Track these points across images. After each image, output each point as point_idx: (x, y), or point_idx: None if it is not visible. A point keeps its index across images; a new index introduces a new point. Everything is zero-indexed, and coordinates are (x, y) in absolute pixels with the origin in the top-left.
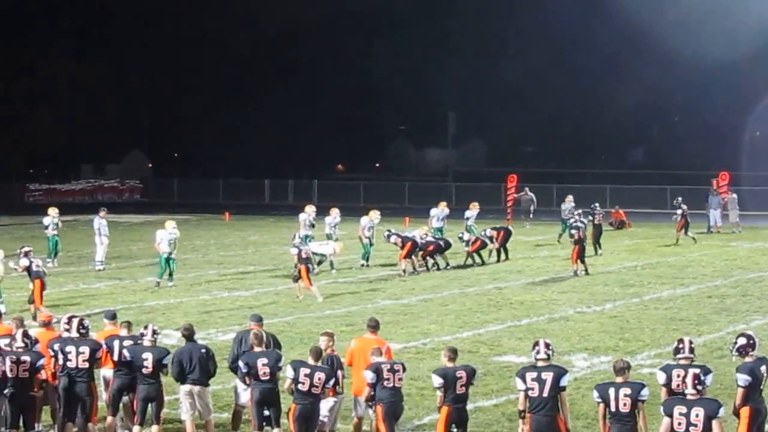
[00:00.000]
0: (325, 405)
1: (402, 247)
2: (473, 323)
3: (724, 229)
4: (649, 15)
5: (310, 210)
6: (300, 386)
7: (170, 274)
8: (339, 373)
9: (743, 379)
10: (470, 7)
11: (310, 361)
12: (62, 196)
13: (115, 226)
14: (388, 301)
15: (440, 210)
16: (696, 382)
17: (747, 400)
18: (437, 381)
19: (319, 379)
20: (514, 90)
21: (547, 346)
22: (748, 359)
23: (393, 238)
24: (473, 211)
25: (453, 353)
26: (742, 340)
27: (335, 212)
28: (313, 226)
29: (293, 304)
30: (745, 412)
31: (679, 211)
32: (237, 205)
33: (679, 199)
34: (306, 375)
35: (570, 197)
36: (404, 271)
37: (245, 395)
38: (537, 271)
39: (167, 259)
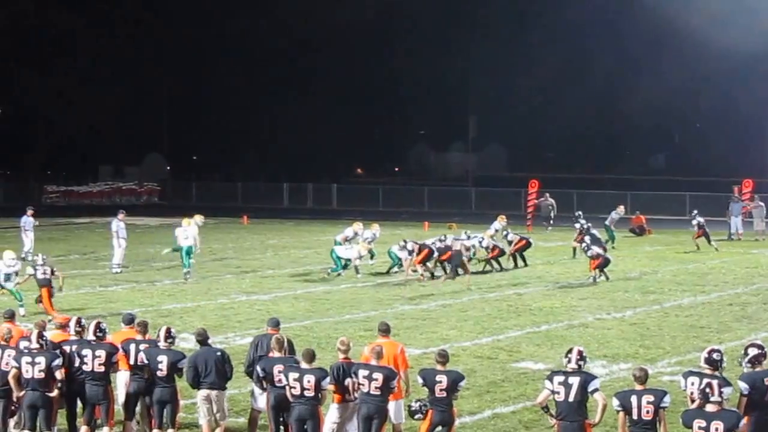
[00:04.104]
0: (333, 412)
1: (418, 253)
2: (492, 329)
3: (746, 236)
4: (671, 19)
5: (358, 227)
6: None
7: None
8: (348, 380)
9: (743, 387)
10: (491, 11)
11: (303, 365)
12: (80, 198)
13: (133, 229)
14: (408, 307)
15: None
16: (717, 392)
17: (748, 409)
18: (419, 380)
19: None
20: (535, 94)
21: (580, 354)
22: (759, 369)
23: (410, 245)
24: (501, 223)
25: (441, 357)
26: (753, 350)
27: (376, 227)
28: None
29: (311, 308)
30: (744, 420)
31: (694, 222)
32: (256, 208)
33: (695, 211)
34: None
35: (621, 207)
36: (423, 275)
37: (262, 399)
38: (557, 277)
39: (187, 252)
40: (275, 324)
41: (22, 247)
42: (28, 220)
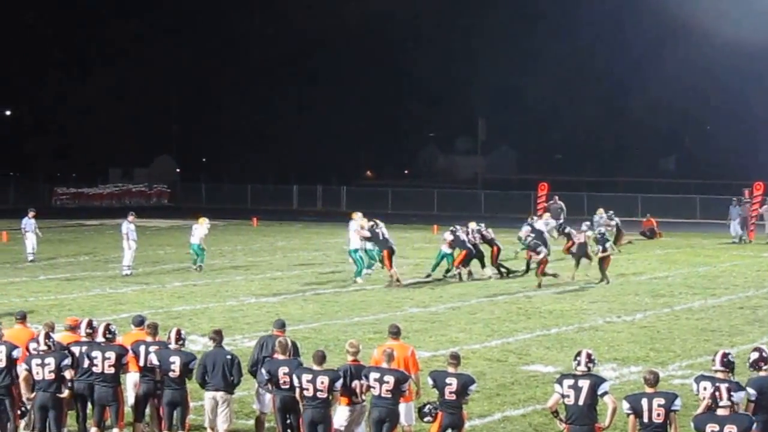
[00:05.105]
0: (341, 414)
1: (385, 255)
2: (502, 332)
3: (758, 240)
4: (682, 21)
5: (358, 217)
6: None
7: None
8: (356, 382)
9: (751, 393)
10: (500, 15)
11: (315, 367)
12: (90, 200)
13: (143, 231)
14: (416, 309)
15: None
16: (728, 396)
17: (756, 414)
18: (429, 382)
19: (322, 382)
20: (544, 97)
21: (588, 357)
22: (762, 373)
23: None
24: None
25: (453, 359)
26: (754, 355)
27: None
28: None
29: (320, 310)
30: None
31: (612, 223)
32: (265, 210)
33: (611, 212)
34: (309, 381)
35: (601, 210)
36: (394, 278)
37: (264, 400)
38: (567, 281)
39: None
40: (281, 325)
41: (25, 248)
42: (29, 222)
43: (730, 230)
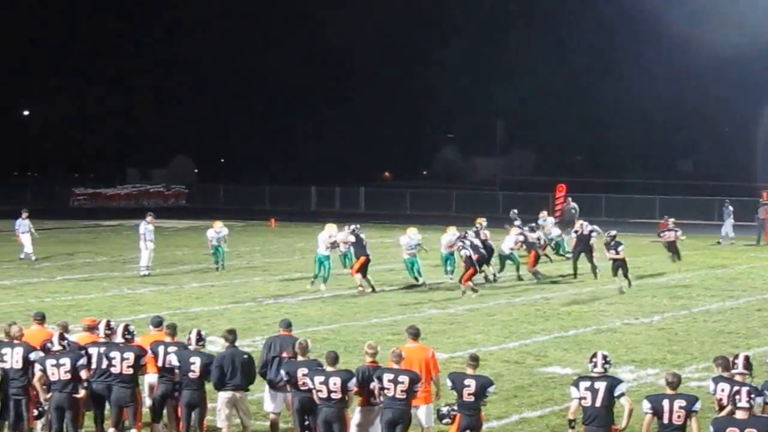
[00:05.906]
0: (358, 415)
1: (355, 259)
2: (520, 333)
3: None
4: (698, 22)
5: (332, 230)
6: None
7: (218, 261)
8: (373, 384)
9: (766, 396)
10: (517, 16)
11: (328, 368)
12: (107, 201)
13: (160, 232)
14: (435, 311)
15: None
16: (747, 399)
17: None
18: (448, 384)
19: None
20: (562, 98)
21: (604, 358)
22: None
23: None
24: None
25: (473, 360)
26: None
27: (413, 231)
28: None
29: (339, 311)
30: None
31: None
32: (283, 211)
33: (545, 213)
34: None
35: (544, 212)
36: (362, 286)
37: (272, 401)
38: (585, 282)
39: (216, 248)
40: (287, 325)
41: (22, 249)
42: (23, 223)
43: (721, 231)
